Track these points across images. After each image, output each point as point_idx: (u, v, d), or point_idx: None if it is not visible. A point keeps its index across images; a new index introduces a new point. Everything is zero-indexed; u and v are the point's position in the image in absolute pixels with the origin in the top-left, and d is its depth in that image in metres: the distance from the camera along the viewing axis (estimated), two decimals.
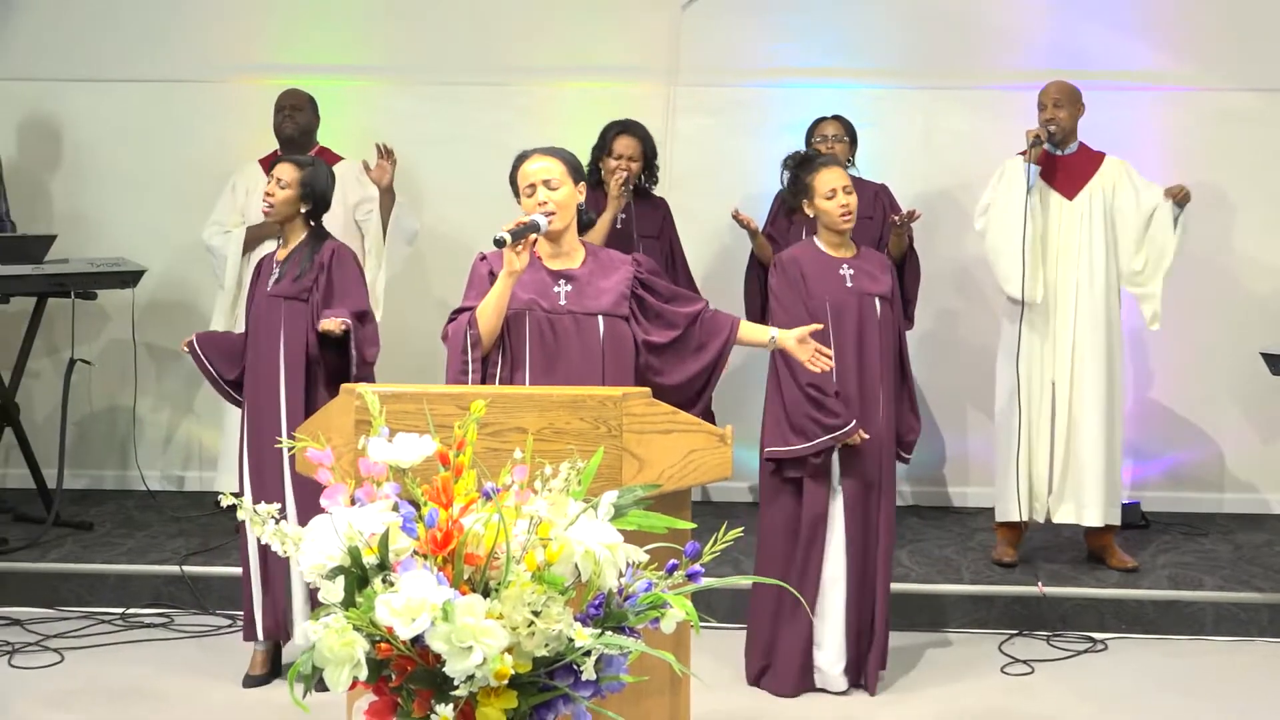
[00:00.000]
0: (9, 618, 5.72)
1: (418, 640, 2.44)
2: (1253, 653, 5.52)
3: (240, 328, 6.17)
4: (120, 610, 5.81)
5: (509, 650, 2.45)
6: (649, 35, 7.31)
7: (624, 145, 6.26)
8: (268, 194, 5.02)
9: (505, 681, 2.47)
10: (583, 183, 4.10)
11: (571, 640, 2.48)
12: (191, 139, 7.35)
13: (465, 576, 2.55)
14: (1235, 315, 7.07)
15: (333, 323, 4.81)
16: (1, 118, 7.12)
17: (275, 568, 4.99)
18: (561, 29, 7.32)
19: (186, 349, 5.14)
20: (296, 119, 6.54)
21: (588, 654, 2.49)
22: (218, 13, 7.38)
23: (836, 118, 6.40)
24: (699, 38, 7.29)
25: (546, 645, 2.48)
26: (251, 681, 5.07)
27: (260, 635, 5.06)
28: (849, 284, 4.96)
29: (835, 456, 4.91)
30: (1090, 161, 6.12)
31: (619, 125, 6.34)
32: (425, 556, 2.53)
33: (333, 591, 2.47)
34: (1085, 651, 5.49)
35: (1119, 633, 5.66)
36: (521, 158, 4.10)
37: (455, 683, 2.44)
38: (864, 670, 5.02)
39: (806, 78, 7.20)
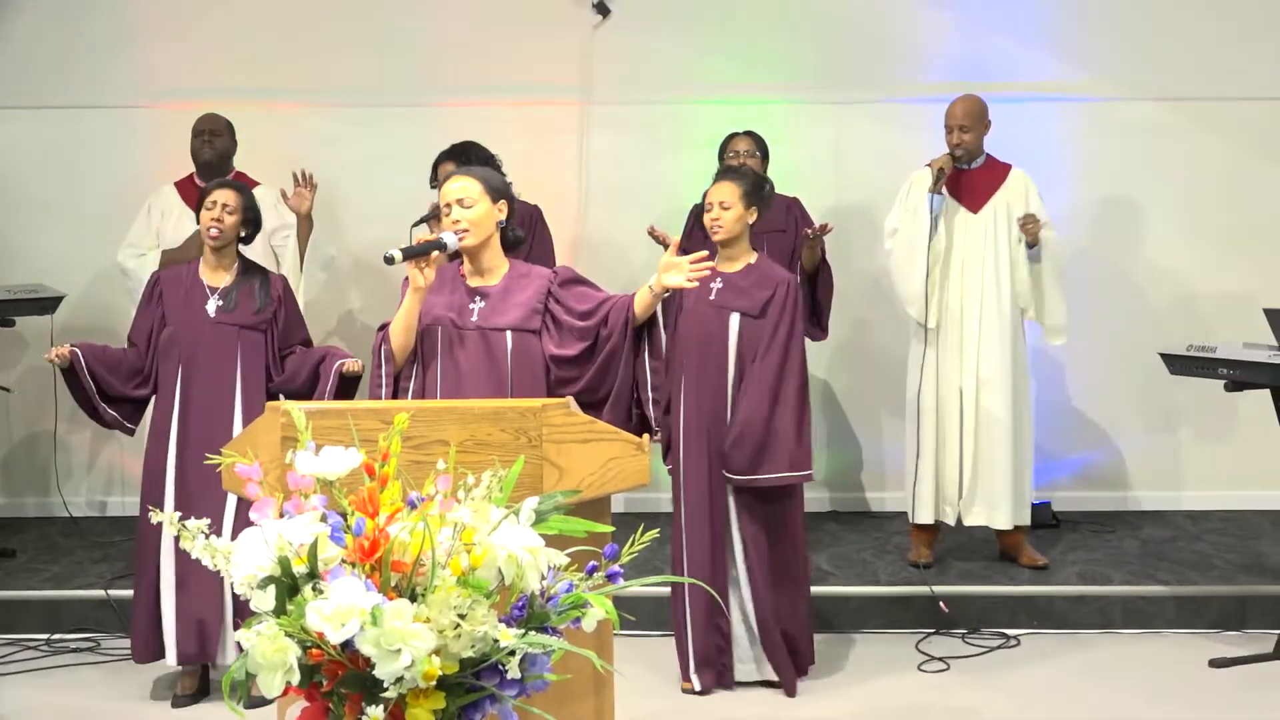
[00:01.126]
0: None
1: (348, 645, 2.52)
2: (1160, 643, 5.71)
3: None
4: (46, 636, 5.82)
5: (436, 652, 2.53)
6: (563, 54, 7.41)
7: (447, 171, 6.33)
8: (216, 220, 5.06)
9: (433, 683, 2.55)
10: (504, 200, 4.18)
11: (497, 641, 2.57)
12: (107, 164, 7.36)
13: (393, 584, 2.63)
14: (1138, 319, 7.27)
15: (357, 364, 4.99)
16: None
17: (200, 589, 5.01)
18: (476, 50, 7.39)
19: (59, 360, 4.99)
20: (215, 144, 6.58)
21: (512, 654, 2.58)
22: (133, 38, 7.39)
23: (748, 133, 6.54)
24: (612, 56, 7.41)
25: (473, 646, 2.57)
26: (180, 701, 5.11)
27: (175, 658, 5.06)
28: (712, 297, 5.11)
29: (680, 467, 5.11)
30: (996, 175, 6.29)
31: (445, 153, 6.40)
32: (353, 565, 2.61)
33: (264, 600, 2.55)
34: (999, 648, 5.65)
35: (1031, 628, 5.83)
36: (442, 171, 4.20)
37: (385, 685, 2.52)
38: (726, 674, 5.15)
39: (719, 93, 7.32)
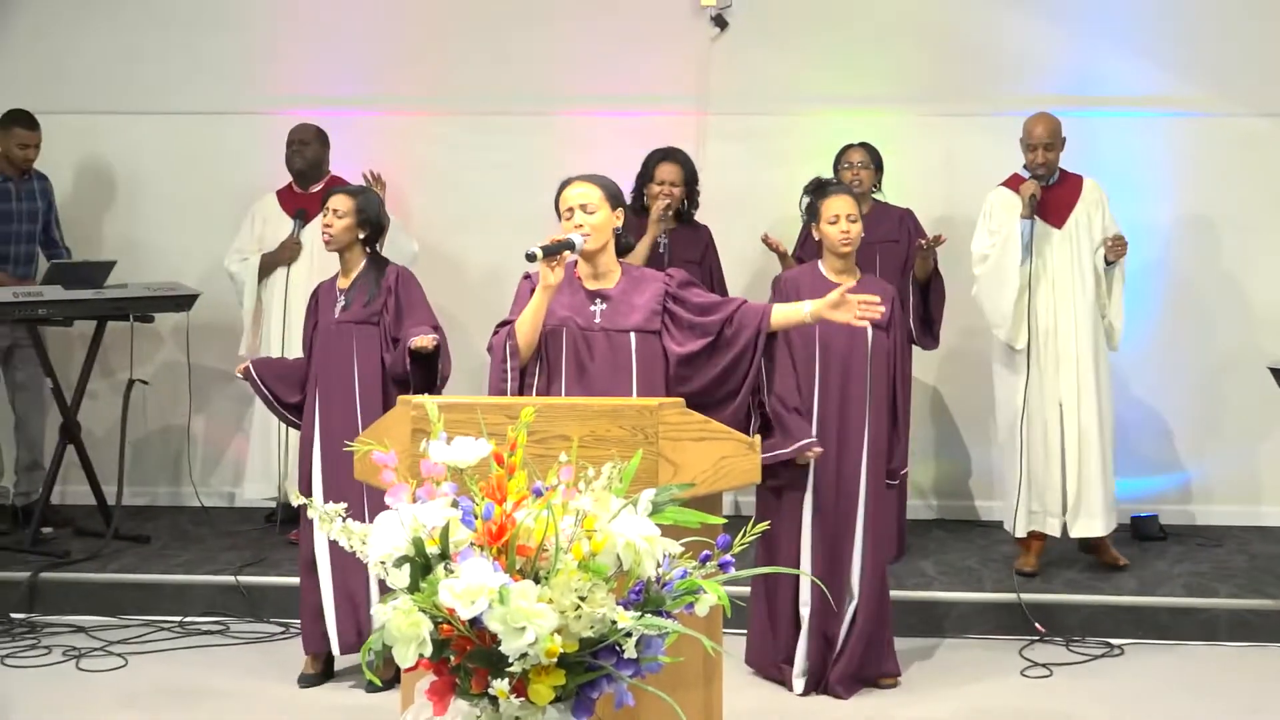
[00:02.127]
0: (74, 625, 6.02)
1: (476, 622, 2.69)
2: (1265, 656, 5.73)
3: (270, 346, 6.49)
4: (178, 618, 6.10)
5: (558, 631, 2.70)
6: (679, 65, 7.58)
7: (666, 171, 6.55)
8: (326, 225, 5.30)
9: (554, 660, 2.72)
10: (620, 209, 4.36)
11: (615, 623, 2.74)
12: (237, 168, 7.66)
13: (517, 566, 2.81)
14: (1243, 333, 7.29)
15: (425, 339, 5.09)
16: (55, 150, 7.41)
17: (350, 580, 5.25)
18: (593, 59, 7.59)
19: (243, 375, 5.43)
20: (304, 154, 6.89)
21: (629, 635, 2.75)
22: (263, 47, 7.70)
23: (862, 145, 6.66)
24: (728, 67, 7.57)
25: (592, 627, 2.73)
26: (307, 681, 5.36)
27: (338, 648, 5.30)
28: None
29: (810, 472, 5.16)
30: (1073, 188, 6.36)
31: (661, 152, 6.64)
32: (481, 547, 2.79)
33: (399, 578, 2.74)
34: (1102, 656, 5.71)
35: (1136, 638, 5.87)
36: (565, 183, 4.37)
37: (510, 661, 2.70)
38: (825, 678, 5.22)
39: (831, 105, 7.45)
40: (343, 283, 5.39)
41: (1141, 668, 5.59)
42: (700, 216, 6.91)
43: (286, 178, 7.16)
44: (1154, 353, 7.27)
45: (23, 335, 6.91)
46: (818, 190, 5.31)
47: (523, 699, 2.74)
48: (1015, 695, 5.29)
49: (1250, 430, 7.37)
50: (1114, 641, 5.84)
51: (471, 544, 2.79)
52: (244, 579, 6.19)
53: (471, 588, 2.64)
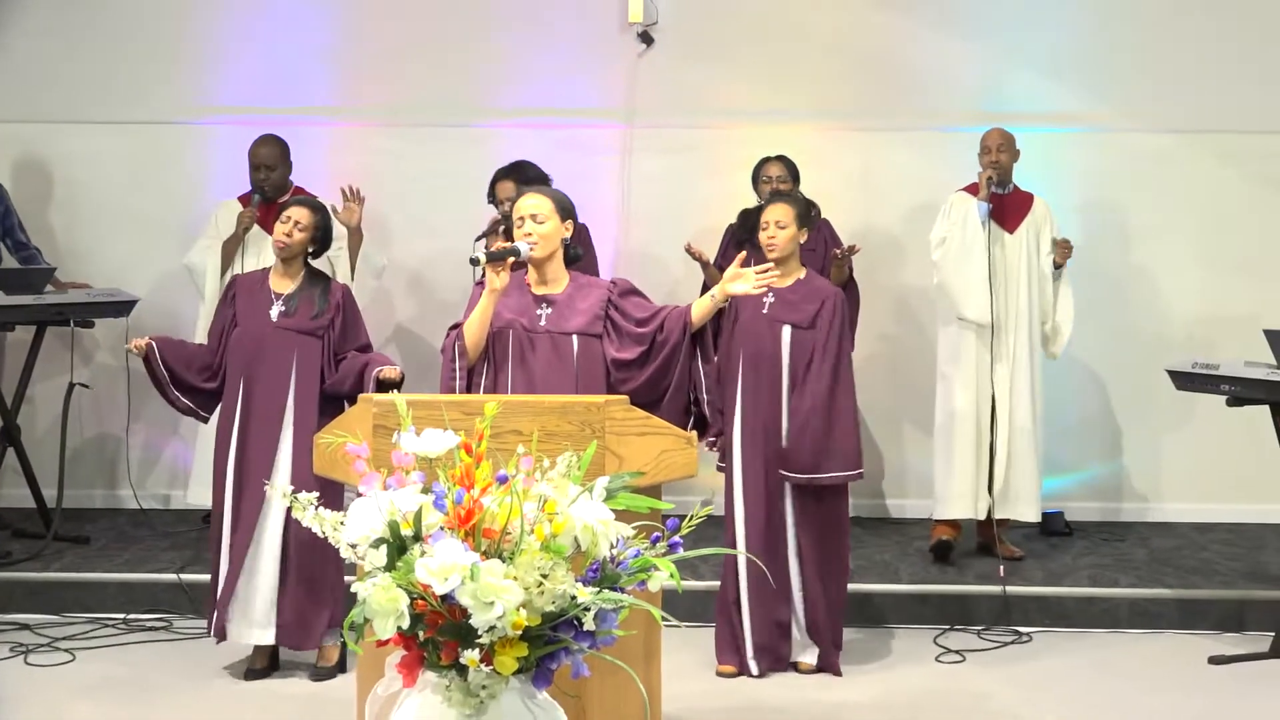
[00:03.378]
0: (18, 623, 6.14)
1: (448, 598, 2.93)
2: (1163, 642, 6.09)
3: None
4: (122, 615, 6.25)
5: (523, 606, 2.94)
6: (608, 80, 7.84)
7: (504, 189, 6.75)
8: (286, 234, 5.47)
9: (519, 633, 2.96)
10: (570, 220, 4.62)
11: (574, 598, 2.99)
12: (175, 176, 7.82)
13: (483, 548, 3.04)
14: (1147, 339, 7.68)
15: (393, 371, 5.33)
16: None
17: (235, 570, 5.44)
18: (525, 74, 7.83)
19: (139, 350, 5.50)
20: (271, 178, 6.98)
21: (588, 609, 3.00)
22: (196, 58, 7.84)
23: (780, 158, 6.97)
24: (654, 82, 7.83)
25: (554, 602, 2.98)
26: (254, 674, 5.54)
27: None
28: (764, 310, 5.53)
29: (737, 467, 5.50)
30: (1025, 201, 6.87)
31: (503, 170, 6.86)
32: (451, 530, 3.03)
33: (376, 558, 2.97)
34: (1012, 643, 6.04)
35: (1043, 626, 6.21)
36: (517, 193, 4.63)
37: (479, 633, 2.94)
38: (778, 656, 5.56)
39: (753, 119, 7.73)
40: (280, 287, 5.55)
41: (1049, 653, 5.92)
42: (626, 226, 7.17)
43: (231, 187, 7.28)
44: (1061, 358, 7.63)
45: None
46: (744, 216, 5.68)
47: (490, 668, 2.98)
48: (931, 679, 5.60)
49: (1151, 432, 7.77)
50: (1023, 630, 6.17)
51: (442, 527, 3.03)
52: (186, 577, 6.35)
53: (445, 565, 2.88)
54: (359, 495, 3.15)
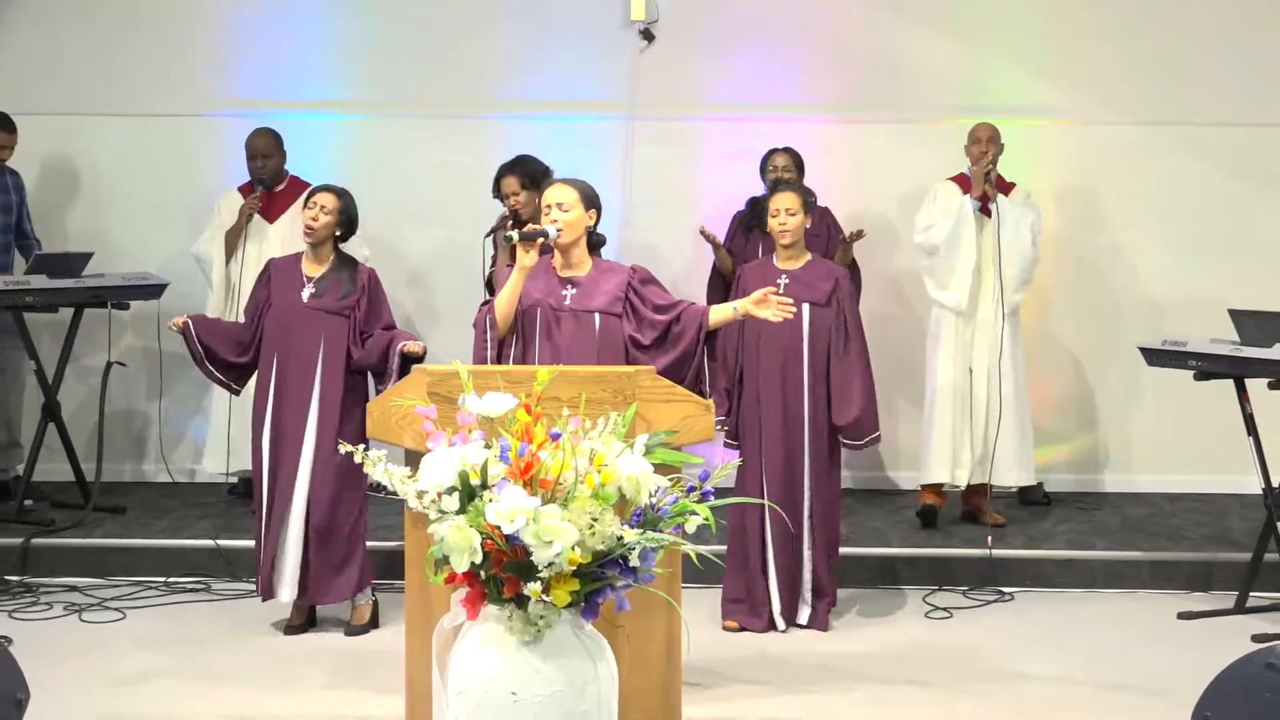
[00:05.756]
0: (67, 585, 6.56)
1: (511, 538, 3.36)
2: (1136, 601, 6.56)
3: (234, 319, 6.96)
4: (163, 579, 6.67)
5: (577, 545, 3.37)
6: (610, 74, 8.24)
7: (510, 184, 7.13)
8: (311, 219, 5.89)
9: (573, 569, 3.39)
10: (594, 209, 5.04)
11: (621, 539, 3.42)
12: (191, 167, 8.21)
13: (539, 496, 3.47)
14: (1117, 320, 8.14)
15: (416, 346, 5.77)
16: (25, 150, 7.88)
17: (278, 535, 5.85)
18: (530, 67, 8.23)
19: (178, 328, 5.93)
20: (267, 166, 7.44)
21: (632, 549, 3.43)
22: (211, 53, 8.23)
23: (786, 149, 7.38)
24: (655, 76, 8.23)
25: (603, 542, 3.41)
26: (292, 630, 5.97)
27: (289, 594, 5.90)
28: (780, 292, 5.92)
29: (760, 441, 5.92)
30: (1004, 188, 7.28)
31: (507, 165, 7.19)
32: (512, 480, 3.45)
33: (449, 504, 3.40)
34: (995, 602, 6.50)
35: (1024, 587, 6.67)
36: (548, 182, 5.05)
37: (539, 570, 3.36)
38: (795, 612, 6.00)
39: (750, 112, 8.16)
40: (311, 270, 5.95)
41: (1030, 611, 6.38)
42: (628, 215, 7.58)
43: (241, 177, 7.70)
44: (1043, 336, 8.09)
45: (6, 322, 7.39)
46: (770, 192, 6.10)
47: (547, 600, 3.41)
48: (920, 633, 6.06)
49: (1122, 405, 8.23)
50: (1005, 590, 6.62)
51: (505, 478, 3.45)
52: (222, 542, 6.76)
53: (512, 508, 3.30)
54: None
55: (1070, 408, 8.25)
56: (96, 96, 8.20)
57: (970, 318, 7.16)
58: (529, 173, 7.10)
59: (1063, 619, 6.26)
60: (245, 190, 7.53)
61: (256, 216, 7.46)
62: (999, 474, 7.17)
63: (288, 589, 5.88)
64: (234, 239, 7.43)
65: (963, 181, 7.22)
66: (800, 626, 6.03)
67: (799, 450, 5.95)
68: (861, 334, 6.02)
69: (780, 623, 5.98)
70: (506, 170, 7.20)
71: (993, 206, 7.08)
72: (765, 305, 5.02)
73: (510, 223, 7.03)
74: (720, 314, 5.09)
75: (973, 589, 6.62)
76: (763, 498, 5.91)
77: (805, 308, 5.93)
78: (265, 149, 7.43)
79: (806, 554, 6.00)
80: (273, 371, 5.93)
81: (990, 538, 6.76)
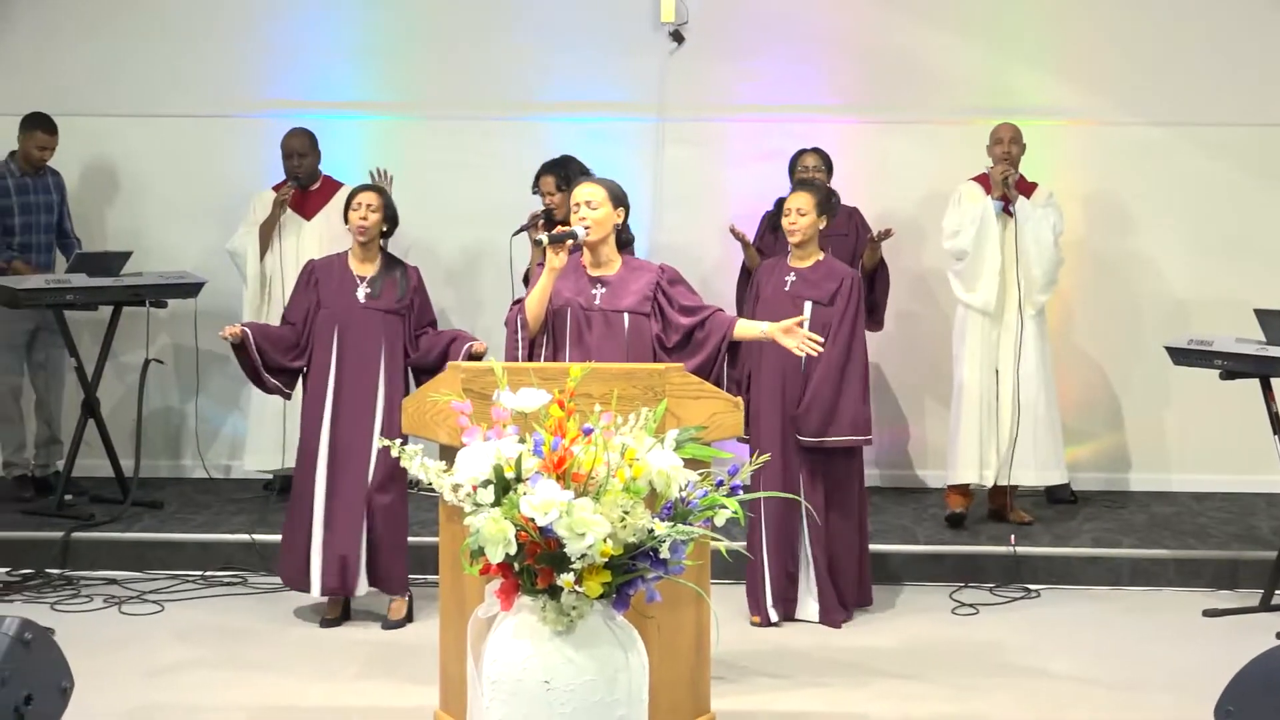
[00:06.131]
0: (107, 578, 6.68)
1: (545, 530, 3.45)
2: (1162, 598, 6.61)
3: (270, 319, 7.04)
4: (200, 572, 6.78)
5: (609, 537, 3.46)
6: (640, 76, 8.32)
7: (546, 184, 7.22)
8: (361, 219, 5.99)
9: (605, 560, 3.48)
10: (623, 208, 5.12)
11: (652, 531, 3.51)
12: (224, 167, 8.33)
13: (571, 490, 3.56)
14: (1143, 319, 8.19)
15: (481, 346, 5.91)
16: (65, 150, 8.02)
17: (345, 532, 5.96)
18: (561, 69, 8.32)
19: (233, 336, 5.96)
20: (303, 165, 7.55)
21: (663, 541, 3.52)
22: (243, 54, 8.36)
23: (815, 150, 7.45)
24: (684, 78, 8.32)
25: (634, 535, 3.50)
26: (328, 623, 6.07)
27: (319, 590, 6.00)
28: (786, 289, 6.06)
29: (758, 434, 6.00)
30: (1028, 189, 7.32)
31: (546, 164, 7.30)
32: (545, 474, 3.54)
33: (485, 496, 3.49)
34: (1021, 598, 6.56)
35: (1050, 584, 6.73)
36: (576, 182, 5.14)
37: (571, 561, 3.45)
38: (792, 607, 6.09)
39: (779, 113, 8.23)
40: (361, 270, 6.07)
41: (1056, 607, 6.44)
42: (657, 214, 7.69)
43: (274, 176, 7.81)
44: (1067, 337, 8.15)
45: (47, 319, 7.53)
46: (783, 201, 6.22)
47: (580, 591, 3.50)
48: (948, 628, 6.12)
49: (1149, 405, 8.27)
50: (1032, 587, 6.68)
51: (538, 471, 3.54)
52: (257, 537, 6.87)
53: (546, 501, 3.40)
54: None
55: (1096, 407, 8.30)
56: (133, 98, 8.33)
57: (996, 319, 7.20)
58: (567, 174, 7.19)
59: (1088, 616, 6.32)
60: (279, 189, 7.64)
61: (292, 213, 7.56)
62: (1024, 474, 7.22)
63: (358, 583, 6.00)
64: (268, 232, 7.53)
65: (984, 181, 7.27)
66: (802, 621, 6.12)
67: (793, 447, 6.02)
68: (852, 337, 6.05)
69: (771, 614, 6.07)
70: (547, 169, 7.29)
71: (1013, 208, 7.12)
72: (792, 335, 5.09)
73: (541, 221, 7.13)
74: (747, 330, 5.17)
75: (999, 586, 6.68)
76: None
77: (808, 306, 6.02)
78: (301, 148, 7.55)
79: (807, 550, 6.07)
80: (330, 372, 6.02)
81: (1013, 535, 6.82)
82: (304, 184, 7.57)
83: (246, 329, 6.01)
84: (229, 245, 7.67)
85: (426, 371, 5.92)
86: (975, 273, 7.19)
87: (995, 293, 7.15)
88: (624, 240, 5.21)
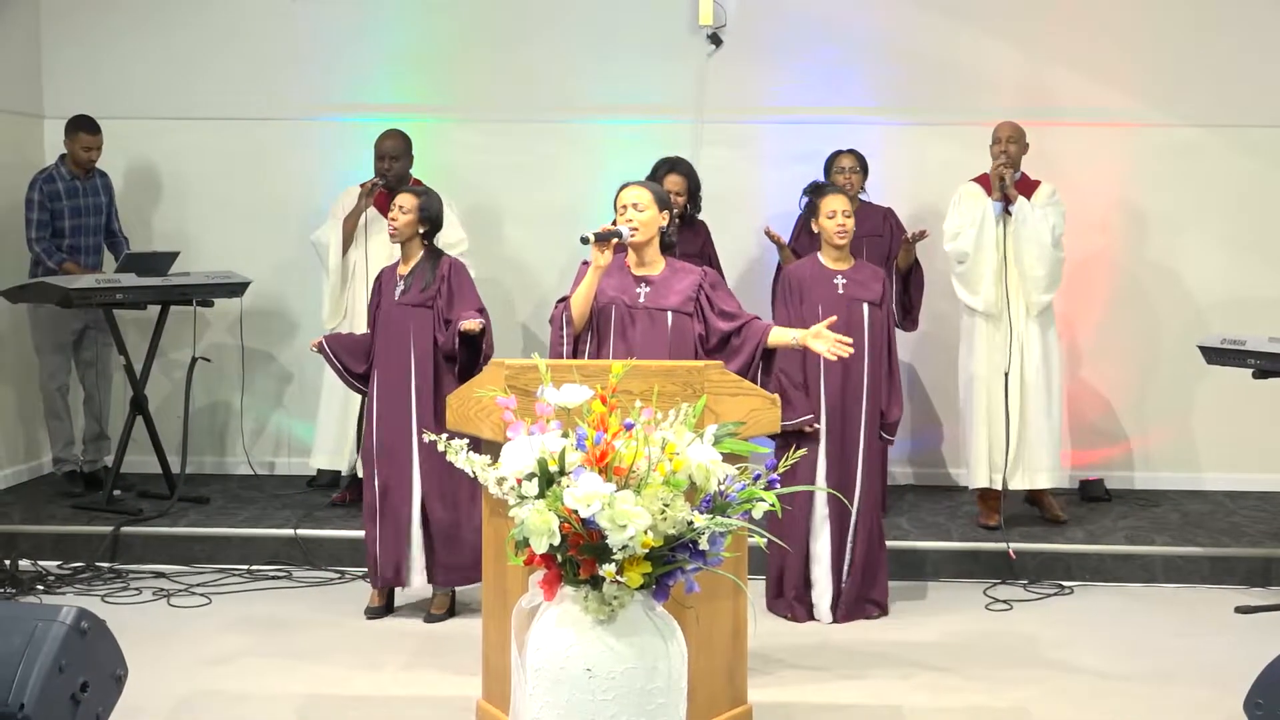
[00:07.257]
0: (155, 572, 6.83)
1: (587, 522, 3.55)
2: (1193, 593, 6.67)
3: (355, 312, 7.20)
4: (245, 566, 6.92)
5: (650, 529, 3.56)
6: (679, 78, 8.42)
7: (672, 182, 7.31)
8: (391, 219, 6.15)
9: (646, 552, 3.58)
10: (667, 211, 5.23)
11: (691, 524, 3.60)
12: (270, 168, 8.50)
13: (614, 484, 3.67)
14: (1176, 317, 8.24)
15: (472, 322, 5.93)
16: (113, 152, 8.18)
17: (397, 527, 6.10)
18: (601, 72, 8.42)
19: (316, 348, 6.24)
20: (394, 168, 7.53)
21: (702, 533, 3.62)
22: (287, 58, 8.50)
23: (852, 151, 7.53)
24: (722, 80, 8.41)
25: (674, 527, 3.60)
26: (373, 613, 6.20)
27: (378, 582, 6.17)
28: (840, 291, 6.12)
29: (822, 434, 6.08)
30: (1030, 187, 7.30)
31: (669, 163, 7.40)
32: (588, 468, 3.65)
33: (530, 489, 3.60)
34: (1055, 595, 6.62)
35: (1083, 580, 6.79)
36: (622, 185, 5.24)
37: (613, 552, 3.56)
38: (839, 604, 6.17)
39: (815, 115, 8.31)
40: (403, 269, 6.21)
41: (1089, 603, 6.51)
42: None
43: (323, 178, 7.94)
44: (1100, 337, 8.22)
45: (96, 318, 7.69)
46: (816, 190, 6.22)
47: (621, 581, 3.60)
48: (982, 623, 6.20)
49: (1182, 404, 8.32)
50: (1065, 583, 6.75)
51: (581, 465, 3.65)
52: (301, 532, 7.01)
53: (589, 493, 3.51)
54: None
55: (1128, 406, 8.35)
56: (180, 102, 8.49)
57: (999, 321, 7.19)
58: (692, 173, 7.41)
59: (1120, 611, 6.38)
60: (366, 187, 7.70)
61: (373, 210, 7.61)
62: (1030, 476, 7.22)
63: (417, 577, 6.14)
64: (351, 225, 7.59)
65: (985, 182, 7.26)
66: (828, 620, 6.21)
67: (854, 445, 6.11)
68: (894, 333, 6.31)
69: (828, 615, 6.17)
70: (670, 168, 7.39)
71: (1013, 208, 7.15)
72: (821, 339, 5.16)
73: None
74: (780, 338, 5.24)
75: (1033, 582, 6.75)
76: (820, 493, 6.09)
77: (865, 307, 6.10)
78: (394, 151, 7.57)
79: (849, 546, 6.17)
80: (376, 374, 6.20)
81: (1012, 551, 6.82)
82: (393, 186, 7.61)
83: (324, 341, 6.26)
84: (313, 236, 7.76)
85: (455, 360, 6.06)
86: (976, 275, 7.18)
87: (995, 296, 7.15)
88: (667, 243, 5.32)
